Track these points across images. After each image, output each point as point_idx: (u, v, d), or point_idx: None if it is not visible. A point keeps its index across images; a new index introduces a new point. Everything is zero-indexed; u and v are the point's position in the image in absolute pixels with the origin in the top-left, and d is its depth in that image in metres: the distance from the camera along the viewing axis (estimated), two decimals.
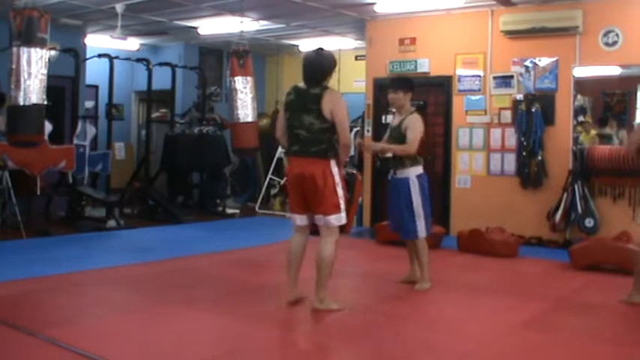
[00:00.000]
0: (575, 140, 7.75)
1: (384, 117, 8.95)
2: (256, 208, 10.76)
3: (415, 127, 5.31)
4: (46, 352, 3.72)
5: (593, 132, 8.14)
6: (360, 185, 4.87)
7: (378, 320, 4.59)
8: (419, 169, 5.34)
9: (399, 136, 5.34)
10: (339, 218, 4.49)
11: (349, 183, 4.68)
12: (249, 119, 9.00)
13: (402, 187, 5.28)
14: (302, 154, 4.49)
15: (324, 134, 4.44)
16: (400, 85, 5.51)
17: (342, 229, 4.65)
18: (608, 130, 8.12)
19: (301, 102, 4.51)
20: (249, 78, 9.05)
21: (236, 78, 9.08)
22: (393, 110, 5.84)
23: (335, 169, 4.48)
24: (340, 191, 4.48)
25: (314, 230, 4.68)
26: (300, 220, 4.64)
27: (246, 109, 8.99)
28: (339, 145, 4.49)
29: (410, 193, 5.25)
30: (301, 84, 4.60)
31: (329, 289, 4.58)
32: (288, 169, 4.66)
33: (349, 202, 4.62)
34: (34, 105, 6.65)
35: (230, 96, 9.43)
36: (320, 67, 4.58)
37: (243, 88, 9.01)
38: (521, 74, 7.89)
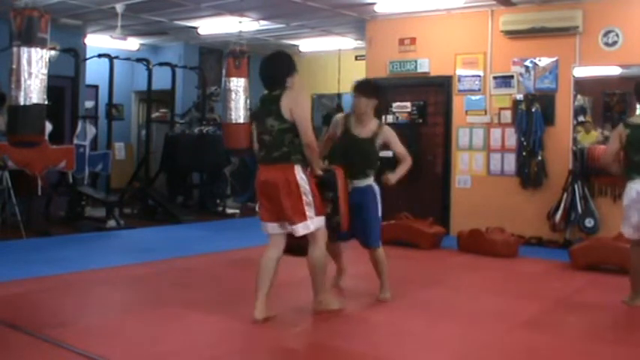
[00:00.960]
0: (574, 140, 7.74)
1: (384, 117, 8.95)
2: (256, 208, 10.74)
3: (397, 139, 5.19)
4: (46, 352, 3.72)
5: (594, 132, 8.14)
6: (342, 179, 4.59)
7: (377, 320, 4.59)
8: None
9: (368, 150, 5.05)
10: (306, 226, 4.25)
11: (329, 182, 4.48)
12: (241, 120, 8.99)
13: (367, 194, 5.01)
14: (266, 161, 4.31)
15: (285, 135, 4.22)
16: (363, 89, 5.13)
17: (337, 227, 4.54)
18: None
19: (264, 107, 4.37)
20: (243, 79, 9.05)
21: (231, 79, 9.08)
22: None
23: (300, 175, 4.24)
24: (307, 198, 4.24)
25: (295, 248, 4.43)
26: (272, 228, 4.40)
27: (238, 111, 8.98)
28: (304, 148, 4.26)
29: (376, 200, 5.08)
30: (266, 92, 4.44)
31: (328, 290, 4.54)
32: (257, 175, 4.42)
33: (334, 201, 4.48)
34: (35, 105, 6.64)
35: (224, 96, 9.43)
36: (275, 69, 4.38)
37: (238, 89, 9.01)
38: (521, 74, 7.89)
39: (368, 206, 4.99)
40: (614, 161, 5.03)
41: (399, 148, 5.17)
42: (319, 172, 4.42)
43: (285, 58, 4.49)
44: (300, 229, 4.26)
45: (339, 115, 5.37)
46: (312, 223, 4.27)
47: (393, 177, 5.07)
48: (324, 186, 4.43)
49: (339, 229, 4.58)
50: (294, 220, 4.24)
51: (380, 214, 5.12)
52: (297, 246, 4.42)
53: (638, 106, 4.98)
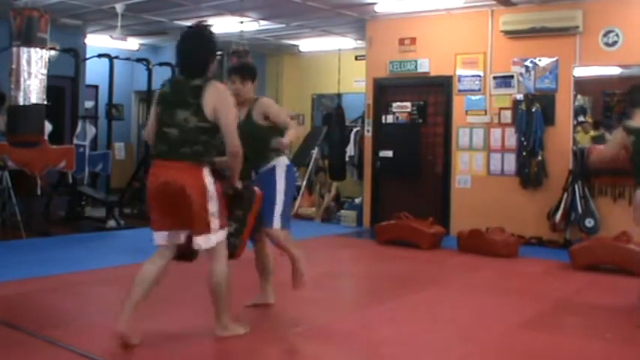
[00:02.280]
0: (574, 140, 7.74)
1: (384, 117, 8.96)
2: None
3: (276, 108, 4.49)
4: (46, 352, 3.71)
5: (592, 132, 8.13)
6: (259, 204, 4.02)
7: (377, 320, 4.59)
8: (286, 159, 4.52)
9: (252, 129, 4.28)
10: (208, 239, 3.68)
11: (245, 201, 3.95)
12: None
13: (271, 175, 4.38)
14: (169, 157, 3.63)
15: (201, 135, 3.62)
16: (249, 72, 4.50)
17: (232, 252, 3.91)
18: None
19: (178, 95, 3.67)
20: None
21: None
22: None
23: (208, 179, 3.65)
24: (213, 207, 3.65)
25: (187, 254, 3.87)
26: (162, 237, 3.73)
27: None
28: (229, 157, 3.72)
29: (281, 177, 4.40)
30: (179, 75, 3.80)
31: (231, 313, 3.93)
32: (150, 174, 3.74)
33: (240, 221, 3.92)
34: (34, 105, 6.65)
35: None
36: (198, 52, 3.73)
37: None
38: (521, 74, 7.89)
39: (270, 184, 4.34)
40: (602, 163, 4.91)
41: (280, 118, 4.37)
42: (238, 186, 3.87)
43: (209, 38, 3.81)
44: (202, 242, 3.68)
45: None
46: (215, 237, 3.71)
47: (285, 140, 4.28)
48: (236, 202, 3.89)
49: (232, 255, 3.94)
50: (195, 231, 3.65)
51: (282, 192, 4.38)
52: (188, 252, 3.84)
53: (636, 110, 4.91)
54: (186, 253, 3.85)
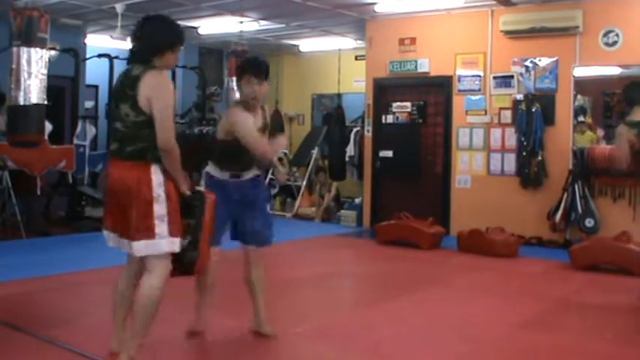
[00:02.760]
0: (574, 140, 7.75)
1: (384, 117, 8.96)
2: None
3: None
4: (46, 352, 3.72)
5: (589, 133, 8.13)
6: (211, 208, 3.45)
7: (377, 320, 4.59)
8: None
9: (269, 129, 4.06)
10: (153, 246, 3.20)
11: (193, 206, 3.39)
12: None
13: (255, 187, 4.01)
14: (117, 155, 3.30)
15: (142, 130, 3.23)
16: (265, 72, 3.97)
17: (191, 267, 3.40)
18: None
19: (121, 87, 3.32)
20: None
21: (234, 78, 9.09)
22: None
23: (157, 178, 3.23)
24: (161, 209, 3.21)
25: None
26: (111, 240, 3.40)
27: None
28: (161, 154, 3.25)
29: (268, 193, 4.14)
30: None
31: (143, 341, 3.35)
32: (108, 173, 3.45)
33: (192, 232, 3.36)
34: (34, 105, 6.65)
35: (227, 96, 9.44)
36: (147, 37, 3.33)
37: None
38: (521, 74, 7.89)
39: (256, 201, 4.01)
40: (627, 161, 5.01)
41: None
42: (185, 191, 3.36)
43: (165, 26, 3.43)
44: (141, 249, 3.20)
45: (237, 109, 4.03)
46: (161, 244, 3.21)
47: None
48: (187, 211, 3.37)
49: (191, 270, 3.45)
50: (135, 236, 3.19)
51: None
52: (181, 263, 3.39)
53: (635, 107, 4.98)
54: (180, 267, 3.40)
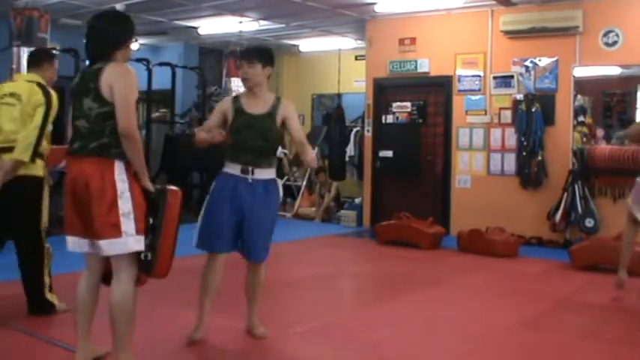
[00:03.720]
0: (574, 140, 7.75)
1: (384, 117, 8.96)
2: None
3: (296, 116, 4.00)
4: (46, 352, 3.72)
5: (576, 133, 8.09)
6: (174, 207, 3.24)
7: (377, 320, 4.59)
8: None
9: (269, 127, 3.83)
10: (118, 245, 3.10)
11: (154, 204, 3.23)
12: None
13: (268, 190, 3.86)
14: (80, 153, 3.19)
15: (105, 122, 3.14)
16: (258, 55, 3.90)
17: (148, 268, 3.22)
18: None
19: (82, 83, 3.28)
20: None
21: (232, 79, 9.10)
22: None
23: (121, 175, 3.14)
24: (125, 206, 3.10)
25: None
26: (78, 244, 3.29)
27: None
28: (121, 139, 3.15)
29: (277, 200, 3.95)
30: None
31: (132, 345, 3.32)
32: (67, 173, 3.35)
33: (154, 231, 3.20)
34: None
35: (226, 96, 9.44)
36: (104, 35, 3.28)
37: (239, 89, 9.01)
38: (521, 74, 7.89)
39: (267, 207, 3.86)
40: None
41: (298, 128, 3.95)
42: (147, 186, 3.23)
43: (121, 20, 3.40)
44: (107, 247, 3.12)
45: (226, 98, 4.16)
46: (129, 242, 3.11)
47: (310, 155, 3.78)
48: (149, 207, 3.23)
49: (149, 272, 3.26)
50: (101, 234, 3.10)
51: (275, 221, 4.02)
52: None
53: None
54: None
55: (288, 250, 7.49)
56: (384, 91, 9.02)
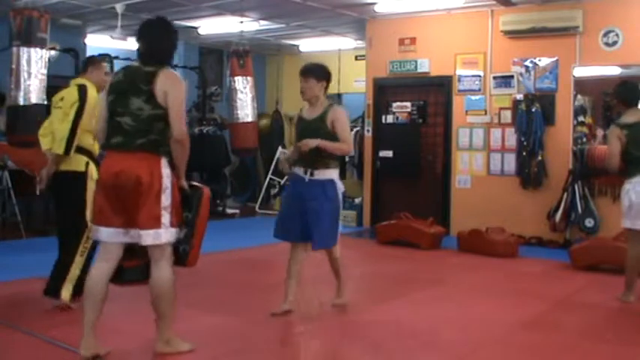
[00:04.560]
0: (574, 140, 7.74)
1: (384, 117, 8.96)
2: (256, 208, 10.76)
3: (345, 122, 4.52)
4: (46, 352, 3.72)
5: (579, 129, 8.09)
6: (206, 205, 3.65)
7: (378, 320, 4.59)
8: (337, 172, 4.58)
9: (321, 130, 4.39)
10: (157, 235, 3.38)
11: (190, 200, 3.58)
12: (249, 119, 9.01)
13: (325, 189, 4.40)
14: (124, 148, 3.42)
15: (156, 124, 3.42)
16: (311, 71, 4.53)
17: (183, 259, 3.58)
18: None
19: (130, 82, 3.48)
20: (249, 78, 9.06)
21: (236, 78, 9.10)
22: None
23: (166, 171, 3.43)
24: (166, 200, 3.40)
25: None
26: (108, 235, 3.46)
27: (245, 109, 9.00)
28: (173, 144, 3.47)
29: (336, 196, 4.45)
30: (135, 62, 3.67)
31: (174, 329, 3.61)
32: (102, 166, 3.57)
33: (189, 224, 3.56)
34: (34, 105, 6.65)
35: (230, 96, 9.43)
36: (160, 39, 3.59)
37: (243, 88, 9.03)
38: (521, 74, 7.89)
39: (323, 202, 4.38)
40: (618, 164, 5.05)
41: (343, 132, 4.42)
42: (184, 184, 3.57)
43: (173, 30, 3.70)
44: (149, 238, 3.38)
45: (298, 113, 4.76)
46: (165, 234, 3.41)
47: (312, 140, 4.32)
48: (185, 203, 3.56)
49: (184, 262, 3.62)
50: (146, 225, 3.35)
51: (337, 214, 4.50)
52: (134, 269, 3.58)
53: (631, 109, 5.05)
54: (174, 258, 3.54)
55: (287, 250, 7.48)
56: (384, 91, 9.02)
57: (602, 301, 5.17)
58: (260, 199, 10.98)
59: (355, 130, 10.43)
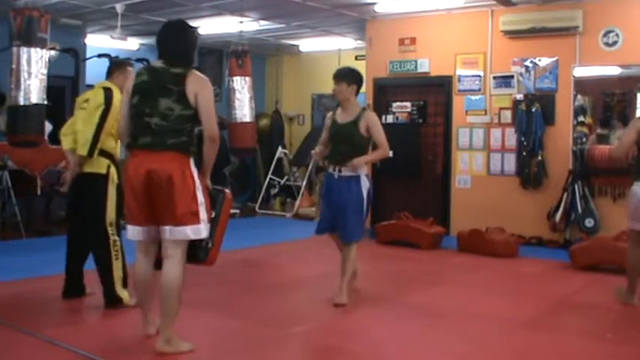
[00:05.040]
0: (574, 140, 7.74)
1: (384, 117, 8.95)
2: (256, 208, 10.76)
3: (379, 126, 4.88)
4: (46, 352, 3.72)
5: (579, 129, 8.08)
6: (228, 205, 3.83)
7: (377, 320, 4.59)
8: (366, 169, 4.95)
9: (351, 133, 4.81)
10: (198, 231, 3.54)
11: (215, 200, 3.75)
12: (247, 119, 9.00)
13: (352, 185, 4.79)
14: (154, 148, 3.52)
15: (186, 124, 3.57)
16: (343, 75, 4.91)
17: (204, 254, 3.69)
18: (606, 131, 8.08)
19: (158, 83, 3.56)
20: (247, 78, 9.04)
21: (234, 78, 9.08)
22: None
23: (195, 170, 3.62)
24: (201, 197, 3.57)
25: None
26: (140, 233, 3.61)
27: (243, 109, 8.99)
28: (206, 141, 3.66)
29: (361, 192, 4.79)
30: (157, 63, 3.68)
31: (176, 327, 3.64)
32: (130, 166, 3.59)
33: (214, 221, 3.70)
34: (34, 105, 6.64)
35: (228, 96, 9.43)
36: (186, 41, 3.71)
37: (241, 89, 9.01)
38: (521, 74, 7.89)
39: (348, 198, 4.77)
40: (625, 155, 4.96)
41: (380, 136, 4.83)
42: (208, 184, 3.74)
43: (193, 32, 3.85)
44: (190, 232, 3.52)
45: (329, 114, 5.19)
46: (201, 229, 3.56)
47: (358, 160, 4.75)
48: (211, 202, 3.74)
49: (205, 258, 3.73)
50: (184, 221, 3.49)
51: (364, 209, 4.86)
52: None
53: None
54: (195, 255, 3.67)
55: (287, 250, 7.50)
56: (384, 91, 9.02)
57: (602, 301, 5.17)
58: (260, 199, 10.97)
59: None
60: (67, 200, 4.95)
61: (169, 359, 3.60)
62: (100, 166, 4.51)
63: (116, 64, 4.88)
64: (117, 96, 4.48)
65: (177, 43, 3.66)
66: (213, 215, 3.67)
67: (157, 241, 3.63)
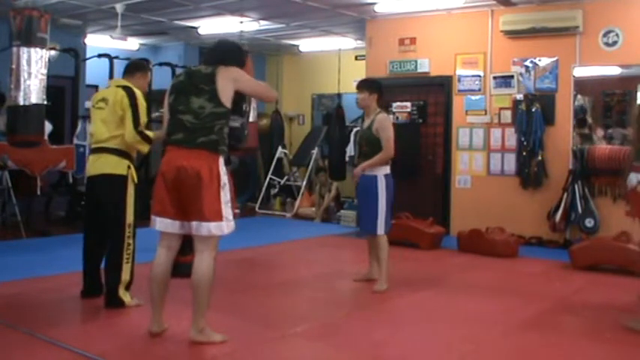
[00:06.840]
0: (574, 140, 7.74)
1: None
2: (256, 208, 10.76)
3: (386, 126, 5.37)
4: (46, 352, 3.71)
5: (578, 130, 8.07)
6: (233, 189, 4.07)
7: (377, 320, 4.59)
8: (387, 169, 5.38)
9: (369, 137, 5.39)
10: (220, 228, 3.68)
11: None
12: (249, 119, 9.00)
13: (370, 184, 5.32)
14: (186, 145, 3.70)
15: (217, 122, 3.71)
16: (364, 85, 5.58)
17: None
18: (586, 131, 8.08)
19: (191, 83, 3.77)
20: None
21: None
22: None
23: (223, 168, 3.77)
24: (225, 196, 3.72)
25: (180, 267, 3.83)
26: (169, 225, 3.76)
27: None
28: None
29: (377, 189, 5.28)
30: (196, 66, 3.97)
31: (208, 319, 3.80)
32: (163, 161, 3.78)
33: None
34: (34, 105, 6.64)
35: None
36: (226, 50, 3.96)
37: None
38: (521, 74, 7.89)
39: (367, 195, 5.33)
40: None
41: (385, 136, 5.32)
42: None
43: (240, 49, 4.08)
44: (214, 229, 3.67)
45: (360, 120, 5.99)
46: (227, 226, 3.71)
47: (357, 170, 5.38)
48: None
49: None
50: (209, 217, 3.64)
51: (378, 205, 5.28)
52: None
53: None
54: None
55: (287, 250, 7.50)
56: (384, 91, 8.99)
57: (602, 301, 5.17)
58: (260, 199, 10.97)
59: (355, 130, 10.44)
60: (86, 200, 5.00)
61: (173, 359, 3.60)
62: (120, 167, 4.55)
63: (139, 66, 4.86)
64: (140, 96, 4.53)
65: (216, 52, 3.94)
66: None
67: (181, 237, 3.81)
